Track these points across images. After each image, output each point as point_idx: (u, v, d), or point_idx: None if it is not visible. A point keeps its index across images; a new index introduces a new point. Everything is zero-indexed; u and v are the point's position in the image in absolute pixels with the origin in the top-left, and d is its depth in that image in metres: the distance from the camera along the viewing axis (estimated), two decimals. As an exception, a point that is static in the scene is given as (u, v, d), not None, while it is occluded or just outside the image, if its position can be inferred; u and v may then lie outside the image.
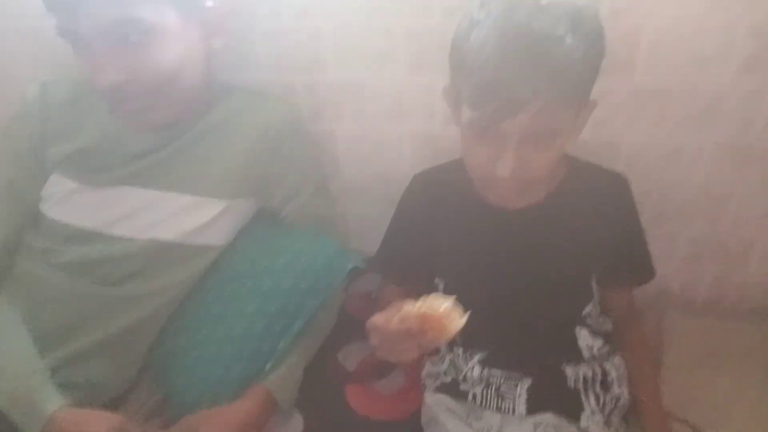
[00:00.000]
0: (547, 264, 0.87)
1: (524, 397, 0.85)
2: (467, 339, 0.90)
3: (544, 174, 0.77)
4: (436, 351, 0.94)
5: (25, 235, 0.91)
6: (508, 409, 0.85)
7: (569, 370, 0.86)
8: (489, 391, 0.87)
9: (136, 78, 0.78)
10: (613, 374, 0.88)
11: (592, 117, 0.80)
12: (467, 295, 0.88)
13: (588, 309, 0.89)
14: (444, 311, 0.68)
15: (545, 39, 0.68)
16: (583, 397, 0.85)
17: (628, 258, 0.92)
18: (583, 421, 0.84)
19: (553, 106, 0.69)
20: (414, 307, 0.69)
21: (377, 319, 0.72)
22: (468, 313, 0.69)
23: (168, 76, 0.80)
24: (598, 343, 0.89)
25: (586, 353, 0.88)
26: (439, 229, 0.91)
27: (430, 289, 0.93)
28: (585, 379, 0.86)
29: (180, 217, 0.88)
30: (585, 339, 0.88)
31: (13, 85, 1.09)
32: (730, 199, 0.99)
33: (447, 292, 0.91)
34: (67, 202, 0.89)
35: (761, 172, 0.95)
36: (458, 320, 0.68)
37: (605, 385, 0.87)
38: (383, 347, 0.73)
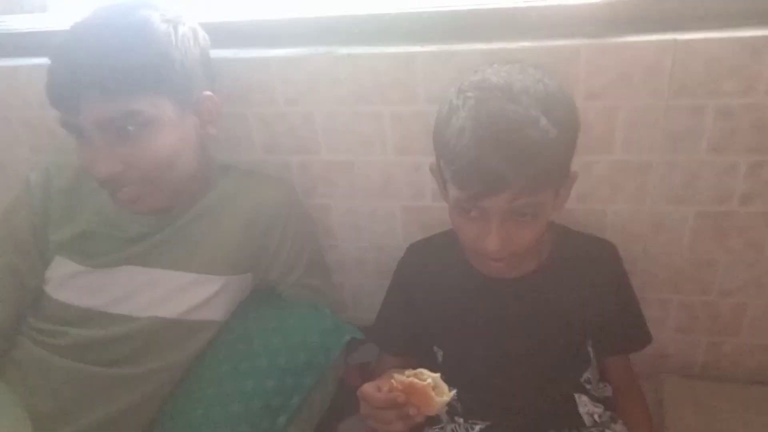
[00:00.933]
0: (543, 331, 0.87)
1: (527, 468, 0.84)
2: (468, 409, 0.89)
3: (532, 246, 0.78)
4: (437, 421, 0.93)
5: (26, 318, 0.92)
6: (511, 480, 0.84)
7: (571, 439, 0.85)
8: (491, 463, 0.86)
9: (134, 167, 0.81)
10: (615, 442, 0.87)
11: (576, 187, 0.82)
12: (465, 363, 0.89)
13: (586, 375, 0.89)
14: (429, 384, 0.69)
15: (519, 123, 0.70)
16: (585, 466, 0.84)
17: (622, 323, 0.92)
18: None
19: (532, 185, 0.71)
20: (401, 377, 0.70)
21: (367, 387, 0.73)
22: (454, 391, 0.70)
23: (165, 165, 0.83)
24: (598, 409, 0.88)
25: (587, 420, 0.87)
26: (434, 297, 0.92)
27: (429, 359, 0.93)
28: (587, 448, 0.85)
29: (180, 294, 0.89)
30: (585, 406, 0.88)
31: (16, 171, 1.13)
32: (717, 265, 1.00)
33: (445, 361, 0.92)
34: (70, 283, 0.90)
35: (745, 238, 0.97)
36: (444, 395, 0.69)
37: (607, 453, 0.86)
38: (371, 417, 0.73)
